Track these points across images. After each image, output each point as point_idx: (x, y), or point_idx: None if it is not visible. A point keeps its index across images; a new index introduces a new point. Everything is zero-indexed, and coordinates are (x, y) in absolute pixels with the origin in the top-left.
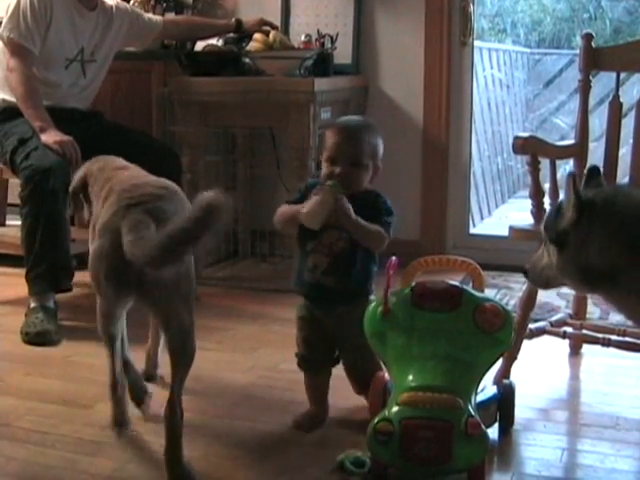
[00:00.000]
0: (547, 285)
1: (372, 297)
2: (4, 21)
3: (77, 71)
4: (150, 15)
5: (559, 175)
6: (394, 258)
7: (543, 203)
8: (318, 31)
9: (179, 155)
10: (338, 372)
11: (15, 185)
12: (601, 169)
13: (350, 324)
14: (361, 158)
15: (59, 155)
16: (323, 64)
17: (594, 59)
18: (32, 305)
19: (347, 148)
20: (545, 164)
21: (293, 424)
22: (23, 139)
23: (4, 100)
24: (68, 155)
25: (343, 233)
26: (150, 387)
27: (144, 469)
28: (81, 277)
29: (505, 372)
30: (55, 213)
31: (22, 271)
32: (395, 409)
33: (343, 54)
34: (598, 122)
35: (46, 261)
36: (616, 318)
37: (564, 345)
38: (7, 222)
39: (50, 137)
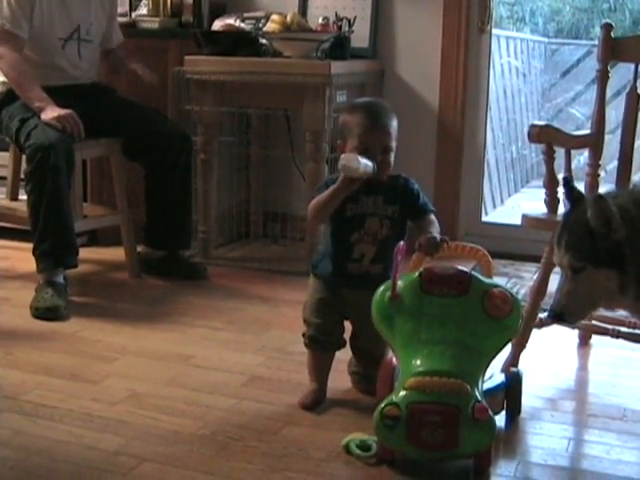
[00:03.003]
0: (586, 315)
1: None
2: None
3: (74, 50)
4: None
5: (573, 165)
6: (402, 243)
7: (557, 193)
8: (336, 14)
9: (189, 135)
10: (344, 356)
11: None
12: (615, 161)
13: None
14: (391, 143)
15: (59, 131)
16: (340, 47)
17: (613, 50)
18: (42, 280)
19: (379, 135)
20: (560, 154)
21: (299, 405)
22: (23, 119)
23: (4, 83)
24: (69, 129)
25: (385, 220)
26: None
27: (150, 445)
28: (91, 253)
29: (514, 361)
30: (58, 189)
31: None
32: (402, 393)
33: (360, 38)
34: (614, 113)
35: (50, 238)
36: None
37: (573, 335)
38: (20, 197)
39: (48, 114)
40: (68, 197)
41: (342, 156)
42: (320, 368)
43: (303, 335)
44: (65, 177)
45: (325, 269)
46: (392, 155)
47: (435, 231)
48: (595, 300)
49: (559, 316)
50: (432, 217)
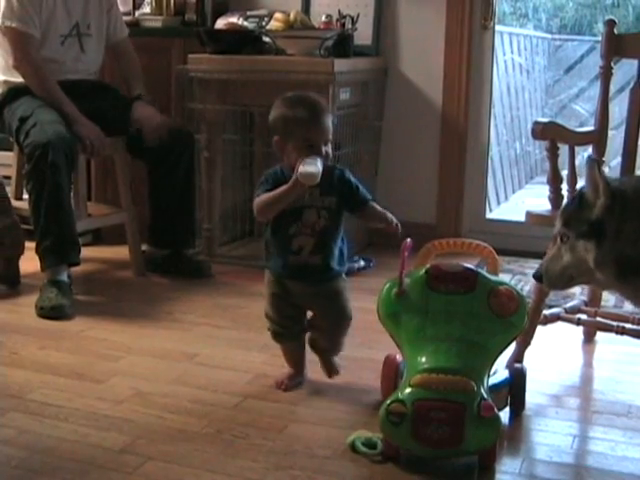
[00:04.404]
0: (566, 286)
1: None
2: (1, 10)
3: (75, 46)
4: (124, 23)
5: (577, 162)
6: (409, 240)
7: (561, 189)
8: (339, 11)
9: (192, 133)
10: (350, 354)
11: None
12: (619, 157)
13: (327, 298)
14: (330, 135)
15: (85, 149)
16: (343, 45)
17: (616, 46)
18: (46, 279)
19: (322, 130)
20: (564, 150)
21: (275, 384)
22: (23, 118)
23: (6, 81)
24: (94, 150)
25: (322, 211)
26: None
27: (155, 444)
28: (96, 252)
29: (518, 357)
30: (57, 187)
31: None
32: (408, 390)
33: (363, 35)
34: (618, 110)
35: (51, 236)
36: (631, 306)
37: (578, 332)
38: (24, 196)
39: (83, 129)
40: (68, 195)
41: (301, 166)
42: (291, 355)
43: (268, 329)
44: (64, 175)
45: (274, 263)
46: (330, 146)
47: (385, 214)
48: (573, 271)
49: (538, 278)
50: (374, 204)
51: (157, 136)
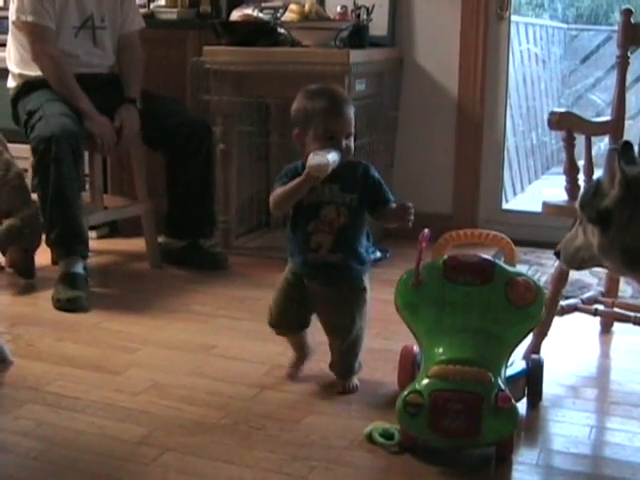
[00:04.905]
0: (581, 266)
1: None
2: (15, 5)
3: (89, 39)
4: (140, 16)
5: (594, 152)
6: (426, 230)
7: (577, 179)
8: (354, 2)
9: (210, 125)
10: (367, 345)
11: None
12: (636, 147)
13: (340, 303)
14: (352, 128)
15: (95, 146)
16: (358, 36)
17: (633, 35)
18: (61, 272)
19: (343, 122)
20: (580, 140)
21: (287, 376)
22: (30, 112)
23: (21, 75)
24: (105, 149)
25: (342, 207)
26: None
27: (172, 435)
28: (112, 244)
29: (535, 348)
30: (61, 179)
31: None
32: (425, 381)
33: (379, 26)
34: (635, 99)
35: (57, 227)
36: None
37: (595, 323)
38: None
39: (96, 127)
40: (73, 187)
41: (311, 156)
42: (294, 344)
43: (269, 324)
44: (69, 167)
45: (295, 260)
46: (352, 140)
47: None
48: (585, 253)
49: (557, 255)
50: (394, 205)
51: (121, 148)
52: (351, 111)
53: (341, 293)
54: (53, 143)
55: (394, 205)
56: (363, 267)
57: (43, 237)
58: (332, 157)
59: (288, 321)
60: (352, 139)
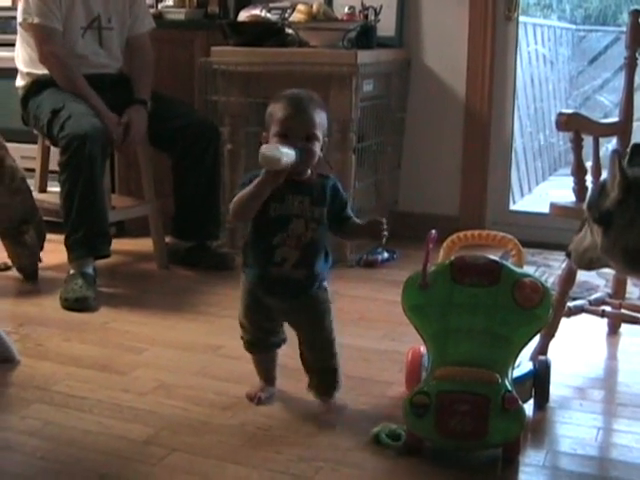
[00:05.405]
0: (590, 267)
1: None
2: (21, 6)
3: (95, 40)
4: (150, 17)
5: (602, 153)
6: (433, 232)
7: (585, 181)
8: (362, 3)
9: (217, 126)
10: (374, 347)
11: (55, 152)
12: None
13: (310, 313)
14: (316, 131)
15: (110, 139)
16: (366, 36)
17: None
18: (71, 271)
19: (300, 122)
20: (588, 142)
21: (247, 397)
22: (55, 110)
23: (30, 74)
24: (117, 139)
25: (311, 223)
26: None
27: (179, 435)
28: (119, 245)
29: (542, 349)
30: (92, 179)
31: (62, 237)
32: (432, 382)
33: (386, 27)
34: None
35: (84, 227)
36: None
37: (602, 324)
38: (48, 188)
39: (109, 123)
40: (102, 186)
41: (262, 147)
42: (262, 367)
43: (241, 338)
44: (100, 166)
45: (250, 273)
46: (317, 145)
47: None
48: (592, 253)
49: (567, 254)
50: (355, 219)
51: (128, 149)
52: (316, 114)
53: (303, 304)
54: (87, 141)
55: (358, 220)
56: (323, 283)
57: (48, 237)
58: (285, 150)
59: (262, 336)
60: (316, 143)
